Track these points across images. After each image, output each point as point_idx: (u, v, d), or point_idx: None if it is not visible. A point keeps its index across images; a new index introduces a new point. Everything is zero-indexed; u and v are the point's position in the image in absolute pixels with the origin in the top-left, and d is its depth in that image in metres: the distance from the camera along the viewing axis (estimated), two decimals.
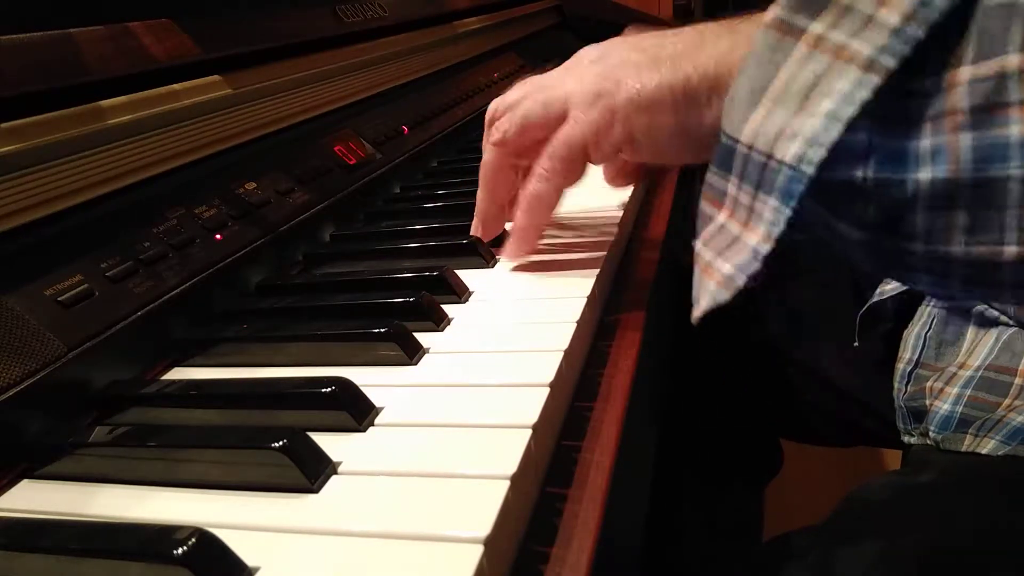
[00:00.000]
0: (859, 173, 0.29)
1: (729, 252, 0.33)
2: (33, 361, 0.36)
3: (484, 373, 0.38)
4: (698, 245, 0.36)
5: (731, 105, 0.33)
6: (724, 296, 0.33)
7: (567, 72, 0.47)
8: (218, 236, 0.50)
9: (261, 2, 0.68)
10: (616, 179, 0.56)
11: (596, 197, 0.63)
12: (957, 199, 0.27)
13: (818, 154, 0.29)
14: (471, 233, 0.53)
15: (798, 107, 0.30)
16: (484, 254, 0.52)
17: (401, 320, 0.42)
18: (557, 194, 0.47)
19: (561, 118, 0.45)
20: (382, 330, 0.40)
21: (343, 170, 0.66)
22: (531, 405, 0.33)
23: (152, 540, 0.26)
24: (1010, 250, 0.27)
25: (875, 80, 0.28)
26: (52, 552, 0.28)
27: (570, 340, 0.39)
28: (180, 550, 0.25)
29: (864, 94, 0.28)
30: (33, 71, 0.45)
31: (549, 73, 0.49)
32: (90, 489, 0.33)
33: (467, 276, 0.49)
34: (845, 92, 0.28)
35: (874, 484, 0.53)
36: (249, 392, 0.38)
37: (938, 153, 0.27)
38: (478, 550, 0.26)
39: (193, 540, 0.26)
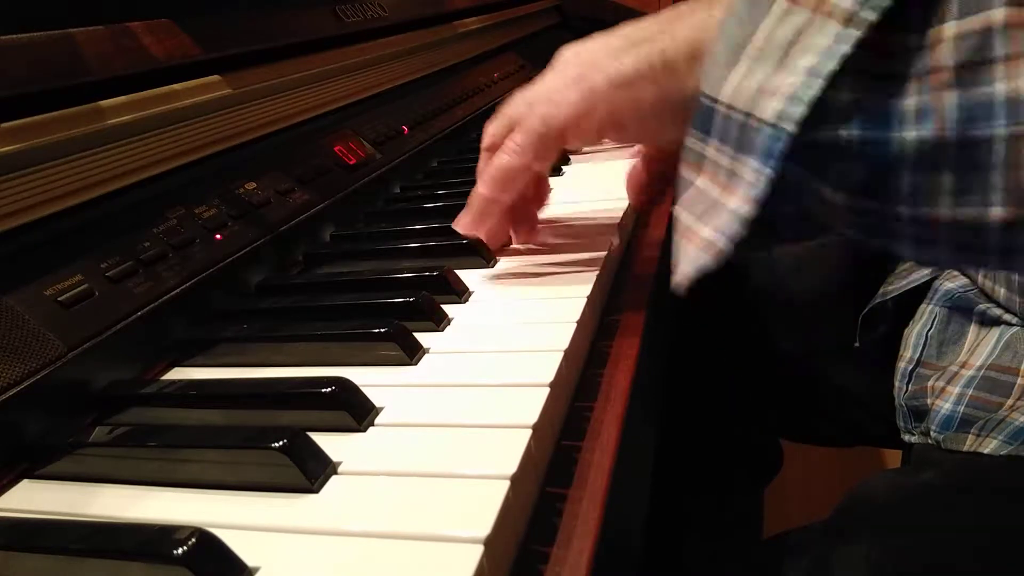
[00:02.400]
0: (843, 133, 0.28)
1: (709, 216, 0.32)
2: (33, 361, 0.36)
3: (484, 373, 0.38)
4: (677, 209, 0.35)
5: (711, 65, 0.32)
6: (706, 261, 0.32)
7: (549, 72, 0.46)
8: (218, 236, 0.50)
9: (261, 2, 0.68)
10: (640, 197, 0.55)
11: (596, 197, 0.63)
12: (943, 159, 0.27)
13: (799, 111, 0.28)
14: (455, 226, 0.51)
15: (778, 64, 0.28)
16: (484, 254, 0.52)
17: (401, 320, 0.42)
18: (525, 173, 0.46)
19: None
20: (382, 330, 0.40)
21: (343, 170, 0.66)
22: (531, 405, 0.33)
23: (152, 540, 0.26)
24: (996, 212, 0.26)
25: (855, 34, 0.27)
26: (52, 552, 0.28)
27: (570, 340, 0.39)
28: (180, 550, 0.25)
29: (844, 49, 0.27)
30: (33, 71, 0.45)
31: (533, 83, 0.48)
32: (90, 489, 0.33)
33: (467, 276, 0.49)
34: (825, 47, 0.27)
35: (874, 483, 0.53)
36: (249, 392, 0.38)
37: (923, 112, 0.26)
38: (478, 550, 0.26)
39: (193, 540, 0.26)
